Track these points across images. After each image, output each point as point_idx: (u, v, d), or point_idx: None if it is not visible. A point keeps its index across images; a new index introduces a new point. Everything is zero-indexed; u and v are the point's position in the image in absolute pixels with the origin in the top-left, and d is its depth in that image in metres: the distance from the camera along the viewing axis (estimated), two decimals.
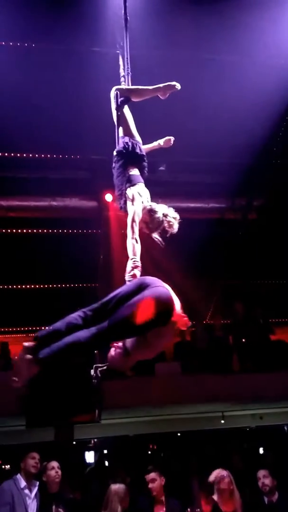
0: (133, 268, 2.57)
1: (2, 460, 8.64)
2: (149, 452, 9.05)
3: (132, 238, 2.66)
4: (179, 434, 9.13)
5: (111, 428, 7.84)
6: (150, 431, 8.49)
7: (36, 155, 7.39)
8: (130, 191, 2.84)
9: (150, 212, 2.79)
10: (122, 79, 3.43)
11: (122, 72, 3.47)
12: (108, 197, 8.01)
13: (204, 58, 6.30)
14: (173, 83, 3.25)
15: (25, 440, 6.51)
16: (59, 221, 8.25)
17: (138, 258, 2.62)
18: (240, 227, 8.47)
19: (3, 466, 8.56)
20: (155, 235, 2.83)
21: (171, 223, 2.77)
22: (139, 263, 2.61)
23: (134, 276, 2.55)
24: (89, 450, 8.93)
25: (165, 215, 2.79)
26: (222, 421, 7.73)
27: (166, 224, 2.78)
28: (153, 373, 7.13)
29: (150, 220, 2.80)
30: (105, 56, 5.95)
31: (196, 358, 7.35)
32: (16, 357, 2.10)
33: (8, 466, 8.14)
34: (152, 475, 4.28)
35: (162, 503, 4.19)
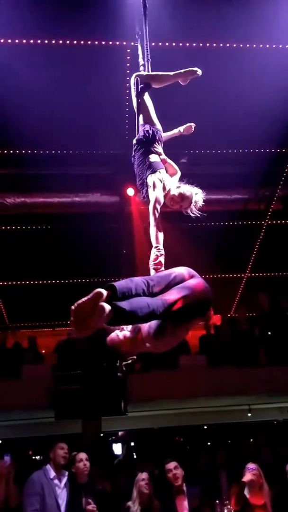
0: (158, 256, 2.54)
1: (32, 451, 8.88)
2: (175, 445, 9.09)
3: (154, 225, 2.64)
4: (205, 427, 9.13)
5: (137, 420, 7.93)
6: (176, 424, 8.52)
7: (58, 152, 7.45)
8: (150, 179, 2.81)
9: (180, 194, 2.81)
10: (141, 68, 3.37)
11: (141, 61, 3.40)
12: (130, 192, 8.02)
13: (225, 47, 6.17)
14: (194, 68, 3.18)
15: (54, 432, 6.66)
16: (82, 217, 8.32)
17: (161, 245, 2.60)
18: (264, 218, 8.31)
19: (33, 457, 8.80)
20: (191, 212, 2.84)
21: (199, 198, 2.84)
22: (163, 251, 2.58)
23: (159, 264, 2.52)
24: (116, 442, 9.06)
25: (196, 193, 2.84)
26: (249, 414, 7.68)
27: (198, 199, 2.83)
28: (178, 366, 7.14)
29: (181, 200, 2.81)
30: (124, 50, 5.92)
31: (221, 352, 7.31)
32: (81, 302, 1.94)
33: (39, 457, 8.35)
34: (173, 463, 4.28)
35: (184, 493, 4.19)
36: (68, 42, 6.00)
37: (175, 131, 3.32)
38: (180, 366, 7.11)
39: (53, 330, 10.07)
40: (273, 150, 7.55)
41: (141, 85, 3.11)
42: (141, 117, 3.10)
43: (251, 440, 7.72)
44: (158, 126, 3.12)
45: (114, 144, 7.37)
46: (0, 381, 6.73)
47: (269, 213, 8.17)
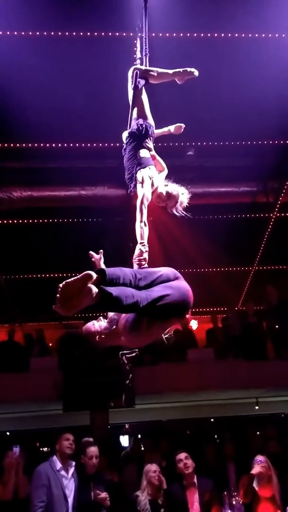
0: (143, 252, 2.55)
1: (40, 442, 8.98)
2: (183, 437, 9.13)
3: (141, 221, 2.64)
4: (212, 420, 9.16)
5: (144, 413, 7.97)
6: (183, 416, 8.56)
7: (65, 145, 7.42)
8: (140, 174, 2.81)
9: (167, 193, 2.83)
10: (138, 61, 3.35)
11: (138, 54, 3.38)
12: None
13: (230, 38, 6.07)
14: (192, 69, 3.17)
15: (62, 424, 6.72)
16: (89, 210, 8.31)
17: (146, 241, 2.60)
18: (273, 211, 8.23)
19: (41, 449, 8.89)
20: (175, 211, 2.87)
21: (185, 199, 2.86)
22: (147, 247, 2.59)
23: (144, 260, 2.52)
24: (123, 434, 9.12)
25: (182, 193, 2.86)
26: (257, 407, 7.69)
27: (184, 200, 2.85)
28: (186, 359, 7.15)
29: (168, 198, 2.84)
30: (128, 41, 5.85)
31: (229, 345, 7.31)
32: (70, 281, 1.97)
33: (46, 448, 8.44)
34: (184, 453, 4.29)
35: (194, 486, 4.20)
36: (74, 33, 5.96)
37: (165, 129, 3.32)
38: (188, 359, 7.12)
39: (60, 323, 10.12)
40: (282, 142, 7.46)
41: (139, 79, 3.09)
42: (135, 110, 3.09)
43: (258, 433, 7.74)
44: (151, 121, 3.11)
45: (120, 136, 7.33)
46: (9, 374, 6.80)
47: (278, 206, 8.08)
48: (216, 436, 8.39)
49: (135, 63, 3.36)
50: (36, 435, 8.75)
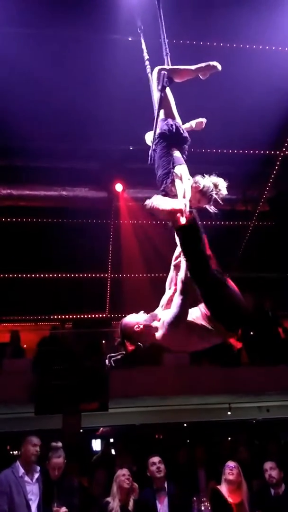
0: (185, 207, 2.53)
1: (11, 446, 8.81)
2: (155, 442, 9.12)
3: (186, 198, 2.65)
4: (185, 425, 9.19)
5: (118, 417, 7.92)
6: (157, 421, 8.55)
7: (47, 144, 7.36)
8: (178, 169, 2.80)
9: (202, 189, 2.78)
10: (146, 62, 3.33)
11: (146, 56, 3.35)
12: (118, 187, 7.97)
13: (217, 46, 6.18)
14: (214, 63, 3.16)
15: (33, 427, 6.60)
16: (69, 211, 8.26)
17: (188, 201, 2.62)
18: (251, 219, 8.37)
19: (11, 452, 8.72)
20: (208, 206, 2.82)
21: (222, 191, 2.84)
22: (189, 204, 2.60)
23: (182, 212, 2.50)
24: (96, 438, 9.04)
25: (215, 186, 2.81)
26: (229, 413, 7.76)
27: (218, 194, 2.82)
28: (161, 363, 7.16)
29: (201, 195, 2.79)
30: (119, 44, 5.87)
31: (204, 350, 7.35)
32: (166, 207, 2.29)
33: (17, 452, 8.28)
34: (158, 458, 4.29)
35: (164, 490, 4.20)
36: (63, 34, 5.93)
37: (187, 125, 3.28)
38: (163, 363, 7.13)
39: (36, 325, 9.98)
40: (262, 152, 7.61)
41: (165, 79, 3.04)
42: (162, 111, 3.06)
43: (230, 438, 7.81)
44: (178, 120, 3.10)
45: (104, 139, 7.32)
46: None
47: (256, 214, 8.23)
48: (188, 441, 8.42)
49: (145, 64, 3.33)
50: (6, 438, 8.58)
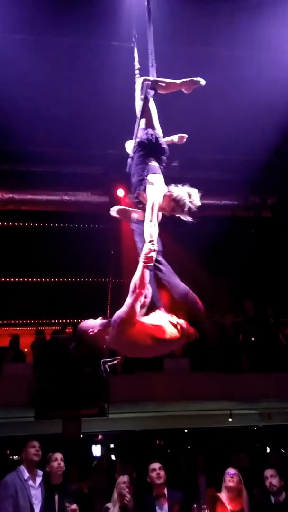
0: (151, 250, 2.54)
1: (11, 450, 8.77)
2: (156, 448, 9.08)
3: (151, 221, 2.66)
4: (186, 431, 9.14)
5: (118, 422, 7.89)
6: (157, 426, 8.51)
7: (49, 149, 7.40)
8: (152, 177, 2.85)
9: (176, 198, 2.80)
10: (136, 71, 3.38)
11: (137, 65, 3.42)
12: (120, 192, 7.99)
13: (216, 53, 6.22)
14: (198, 78, 3.23)
15: (33, 432, 6.58)
16: (70, 216, 8.28)
17: (155, 241, 2.60)
18: (253, 225, 8.38)
19: (11, 457, 8.69)
20: (183, 216, 2.84)
21: (195, 201, 2.83)
22: (156, 246, 2.58)
23: (151, 259, 2.52)
24: (96, 443, 9.00)
25: (189, 195, 2.82)
26: (230, 419, 7.72)
27: (192, 203, 2.82)
28: (162, 369, 7.14)
29: (175, 204, 2.81)
30: (120, 51, 5.91)
31: (205, 356, 7.33)
32: None
33: (17, 456, 8.25)
34: (159, 464, 4.26)
35: (164, 496, 4.17)
36: (64, 40, 5.97)
37: (168, 139, 3.35)
38: (164, 369, 7.11)
39: (37, 329, 9.97)
40: (265, 159, 7.63)
41: (149, 90, 3.12)
42: (143, 120, 3.11)
43: (231, 445, 7.76)
44: (159, 131, 3.14)
45: (106, 144, 7.36)
46: None
47: (258, 220, 8.24)
48: (188, 447, 8.38)
49: (135, 73, 3.38)
50: (6, 443, 8.55)
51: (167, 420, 8.25)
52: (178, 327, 2.49)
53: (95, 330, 2.49)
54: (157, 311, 2.52)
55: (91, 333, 2.49)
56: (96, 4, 5.42)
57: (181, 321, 2.53)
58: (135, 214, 3.09)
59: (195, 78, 3.22)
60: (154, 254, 2.52)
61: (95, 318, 2.58)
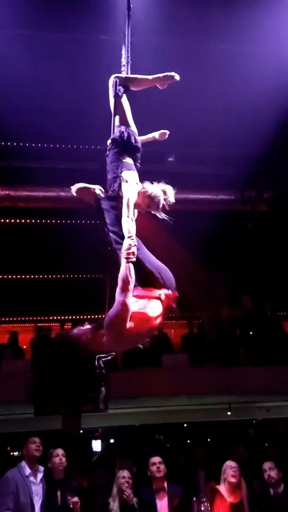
0: (131, 245, 2.54)
1: (11, 447, 8.80)
2: (155, 442, 9.12)
3: (128, 216, 2.66)
4: (185, 425, 9.19)
5: (118, 417, 7.92)
6: (157, 421, 8.55)
7: (45, 145, 7.37)
8: (125, 174, 2.86)
9: (150, 195, 2.81)
10: (123, 68, 3.37)
11: (123, 61, 3.40)
12: None
13: (212, 48, 6.19)
14: (172, 73, 3.18)
15: (33, 428, 6.60)
16: (67, 212, 8.25)
17: (134, 236, 2.60)
18: (250, 220, 8.38)
19: (11, 453, 8.72)
20: (158, 213, 2.85)
21: (170, 198, 2.84)
22: (135, 241, 2.59)
23: (133, 254, 2.51)
24: (96, 439, 9.04)
25: (164, 192, 2.83)
26: (229, 413, 7.76)
27: (166, 200, 2.83)
28: (161, 364, 7.16)
29: (150, 200, 2.82)
30: (114, 45, 5.87)
31: (203, 351, 7.36)
32: None
33: (17, 453, 8.28)
34: (159, 458, 4.29)
35: (164, 490, 4.20)
36: (58, 35, 5.94)
37: (150, 136, 3.34)
38: (163, 364, 7.13)
39: (35, 326, 9.96)
40: (261, 152, 7.62)
41: (119, 87, 3.11)
42: (117, 118, 3.12)
43: (230, 438, 7.80)
44: (133, 128, 3.13)
45: (102, 139, 7.31)
46: None
47: (254, 215, 8.24)
48: (188, 441, 8.42)
49: (121, 70, 3.38)
50: (7, 439, 8.57)
51: (167, 415, 8.29)
52: (162, 297, 2.51)
53: (89, 336, 2.46)
54: (134, 290, 2.49)
55: (85, 340, 2.46)
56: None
57: (161, 291, 2.54)
58: (98, 190, 3.08)
59: (168, 73, 3.18)
60: (135, 249, 2.51)
61: (85, 322, 2.56)
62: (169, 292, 2.57)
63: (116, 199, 2.90)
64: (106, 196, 3.02)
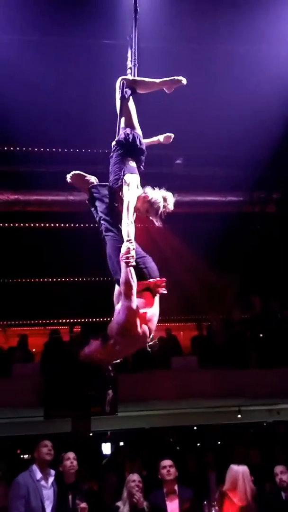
0: (130, 249, 2.54)
1: (21, 450, 8.83)
2: (165, 445, 9.08)
3: (127, 219, 2.67)
4: (195, 428, 9.14)
5: (127, 420, 7.91)
6: (167, 424, 8.52)
7: (53, 150, 7.42)
8: (128, 177, 2.86)
9: (150, 200, 2.81)
10: (128, 71, 3.38)
11: (129, 64, 3.42)
12: None
13: (220, 51, 6.18)
14: (180, 77, 3.19)
15: (43, 431, 6.62)
16: (76, 215, 8.29)
17: (133, 239, 2.62)
18: (258, 221, 8.34)
19: (21, 456, 8.74)
20: (155, 219, 2.84)
21: (169, 206, 2.84)
22: (134, 245, 2.60)
23: (132, 257, 2.52)
24: (105, 441, 9.03)
25: (164, 199, 2.82)
26: (239, 416, 7.71)
27: (166, 207, 2.83)
28: (170, 367, 7.15)
29: (149, 206, 2.82)
30: (119, 49, 5.90)
31: (213, 353, 7.33)
32: None
33: (27, 456, 8.30)
34: (170, 461, 4.27)
35: (175, 493, 4.18)
36: (62, 40, 5.98)
37: (154, 139, 3.34)
38: (172, 366, 7.12)
39: (45, 329, 10.01)
40: (269, 154, 7.59)
41: (126, 89, 3.12)
42: (122, 119, 3.13)
43: (241, 441, 7.74)
44: (139, 130, 3.14)
45: (110, 143, 7.35)
46: None
47: (263, 216, 8.20)
48: (198, 444, 8.37)
49: (127, 73, 3.39)
50: (16, 442, 8.60)
51: (176, 418, 8.26)
52: (151, 286, 2.52)
53: (101, 351, 2.45)
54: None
55: (100, 356, 2.45)
56: (96, 3, 5.42)
57: (149, 281, 2.55)
58: (93, 178, 3.08)
59: (176, 77, 3.19)
60: (133, 253, 2.52)
61: (90, 338, 2.55)
62: (152, 282, 2.58)
63: (112, 191, 2.91)
64: (100, 184, 3.01)
